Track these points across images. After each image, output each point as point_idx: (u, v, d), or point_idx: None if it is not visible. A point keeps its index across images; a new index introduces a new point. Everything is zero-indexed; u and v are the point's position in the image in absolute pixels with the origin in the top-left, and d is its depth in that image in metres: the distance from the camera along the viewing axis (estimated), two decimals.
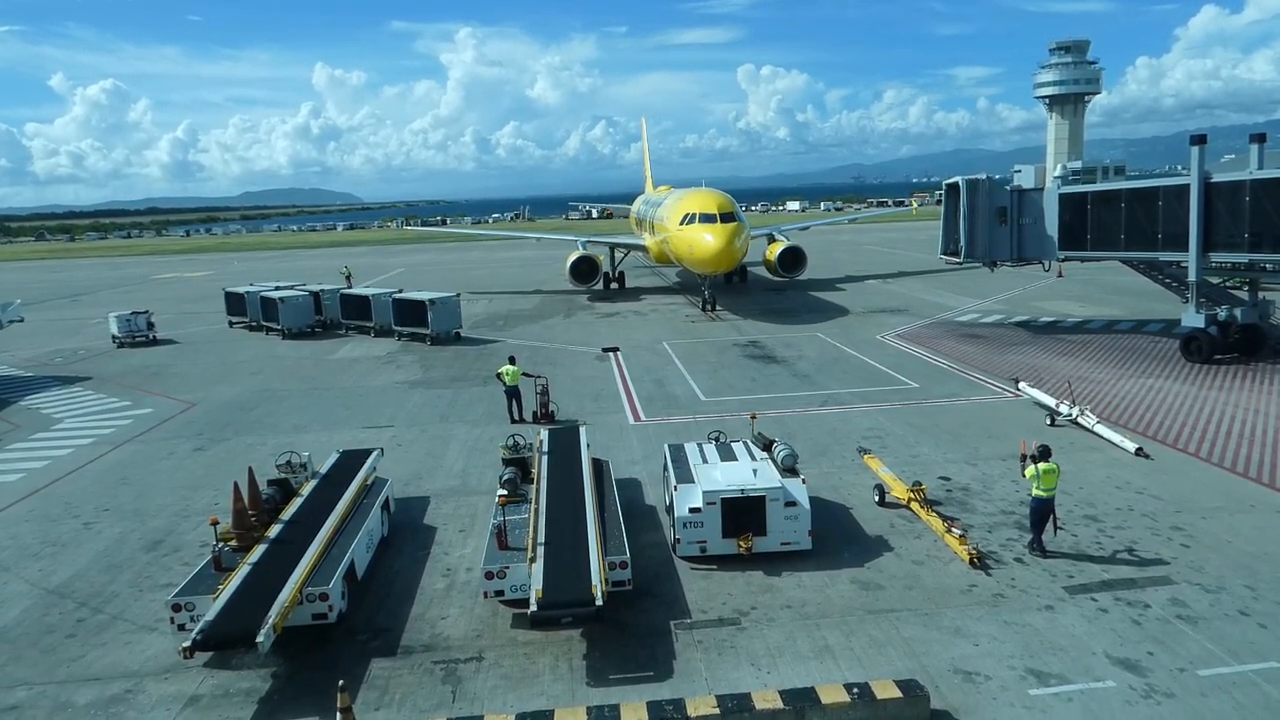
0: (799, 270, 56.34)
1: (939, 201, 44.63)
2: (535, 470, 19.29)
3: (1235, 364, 32.11)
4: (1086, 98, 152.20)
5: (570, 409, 28.89)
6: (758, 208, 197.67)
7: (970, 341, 38.08)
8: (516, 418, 27.72)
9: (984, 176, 38.13)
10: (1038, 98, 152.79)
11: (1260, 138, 33.09)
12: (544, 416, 27.47)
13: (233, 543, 16.46)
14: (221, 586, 14.75)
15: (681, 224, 47.08)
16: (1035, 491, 17.11)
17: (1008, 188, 37.83)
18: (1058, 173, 46.66)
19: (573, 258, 55.44)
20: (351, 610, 15.91)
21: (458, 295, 45.07)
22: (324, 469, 20.30)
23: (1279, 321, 34.82)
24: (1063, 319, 43.28)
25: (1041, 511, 17.15)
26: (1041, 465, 17.08)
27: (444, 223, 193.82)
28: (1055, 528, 17.32)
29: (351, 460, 20.57)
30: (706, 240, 44.92)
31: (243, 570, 15.32)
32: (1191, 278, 32.67)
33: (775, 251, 56.51)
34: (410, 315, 43.54)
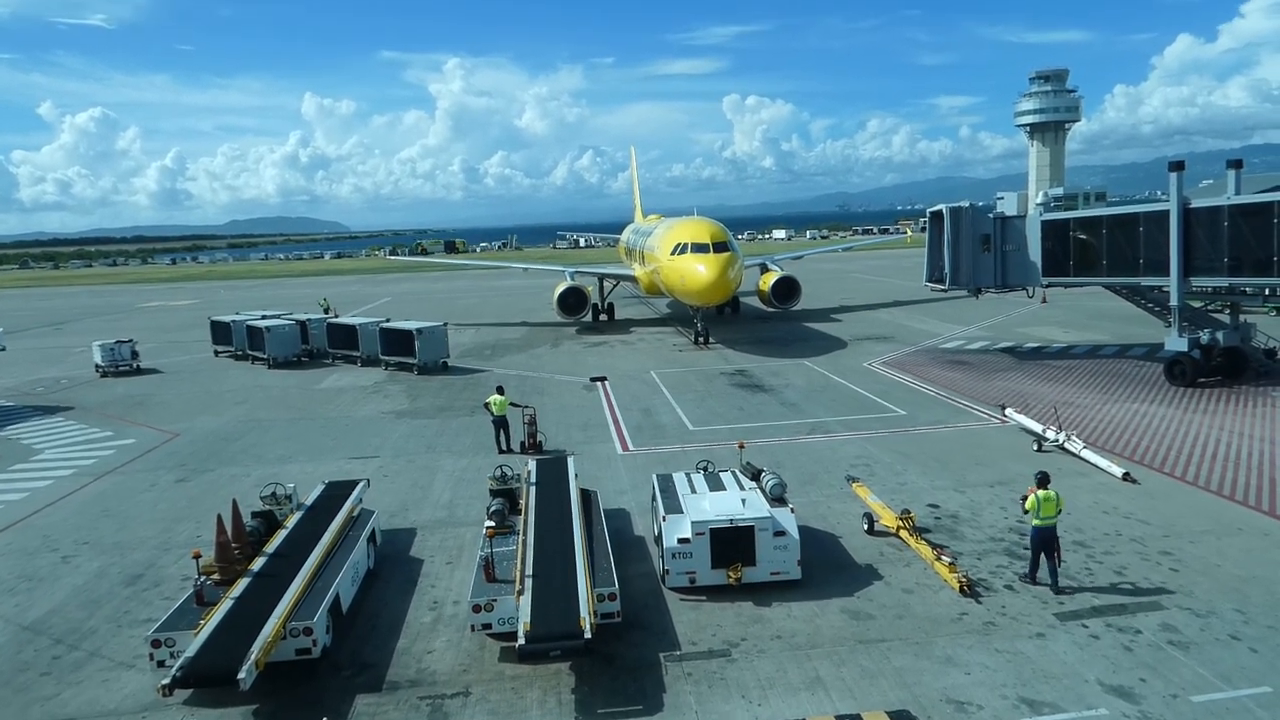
0: (793, 301, 55.34)
1: (923, 228, 45.00)
2: (523, 501, 19.08)
3: (1219, 387, 32.33)
4: (1066, 125, 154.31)
5: (558, 439, 28.71)
6: (744, 236, 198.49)
7: (956, 368, 38.15)
8: (504, 448, 27.50)
9: (967, 204, 38.48)
10: (1019, 126, 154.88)
11: (1237, 164, 33.56)
12: (532, 447, 27.26)
13: (215, 576, 16.16)
14: (203, 621, 14.44)
15: (673, 254, 45.91)
16: (1034, 521, 16.66)
17: (991, 215, 38.12)
18: (1040, 199, 47.03)
19: (560, 289, 54.34)
20: (336, 645, 15.64)
21: (445, 325, 44.89)
22: (309, 500, 20.05)
23: (1260, 344, 35.10)
24: (1047, 344, 43.53)
25: (1041, 541, 16.64)
26: (1040, 493, 16.66)
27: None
28: (1059, 559, 16.76)
29: (337, 491, 20.33)
30: (699, 271, 43.73)
31: (225, 605, 15.02)
32: (1173, 302, 32.95)
33: (769, 281, 55.47)
34: (397, 345, 43.41)
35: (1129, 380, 34.47)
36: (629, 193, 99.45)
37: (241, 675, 12.92)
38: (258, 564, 16.71)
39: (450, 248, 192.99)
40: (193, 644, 13.73)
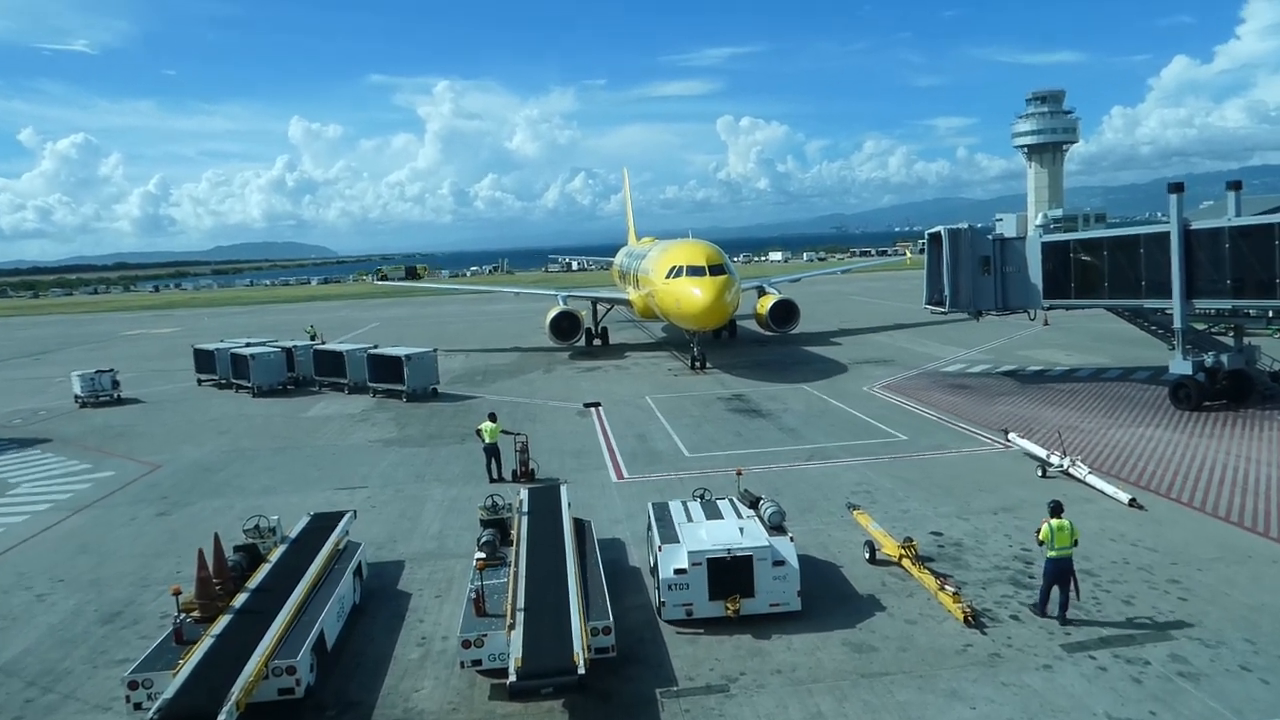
0: (791, 324, 55.11)
1: (921, 249, 45.30)
2: (515, 532, 18.91)
3: (1224, 410, 32.36)
4: (1064, 146, 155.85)
5: (551, 467, 28.57)
6: (740, 258, 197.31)
7: (958, 392, 38.14)
8: (495, 476, 27.37)
9: (966, 226, 38.59)
10: (1017, 147, 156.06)
11: (1236, 185, 33.86)
12: (524, 475, 27.11)
13: (195, 614, 15.94)
14: (182, 661, 14.22)
15: (668, 277, 45.76)
16: (1049, 552, 16.37)
17: (990, 237, 38.31)
18: (1039, 221, 47.76)
19: (553, 313, 54.55)
20: (320, 683, 15.41)
21: (434, 350, 44.77)
22: (294, 533, 19.85)
23: (1265, 367, 35.21)
24: (1050, 368, 43.57)
25: (1056, 573, 16.32)
26: (1054, 522, 16.39)
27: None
28: (1076, 591, 16.53)
29: (323, 524, 20.15)
30: (695, 295, 43.49)
31: (205, 643, 14.81)
32: (1177, 324, 33.07)
33: (767, 305, 55.33)
34: (385, 371, 43.22)
35: (1133, 404, 34.51)
36: (622, 215, 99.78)
37: (221, 717, 12.71)
38: (240, 600, 16.51)
39: (410, 274, 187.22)
40: (171, 684, 13.52)
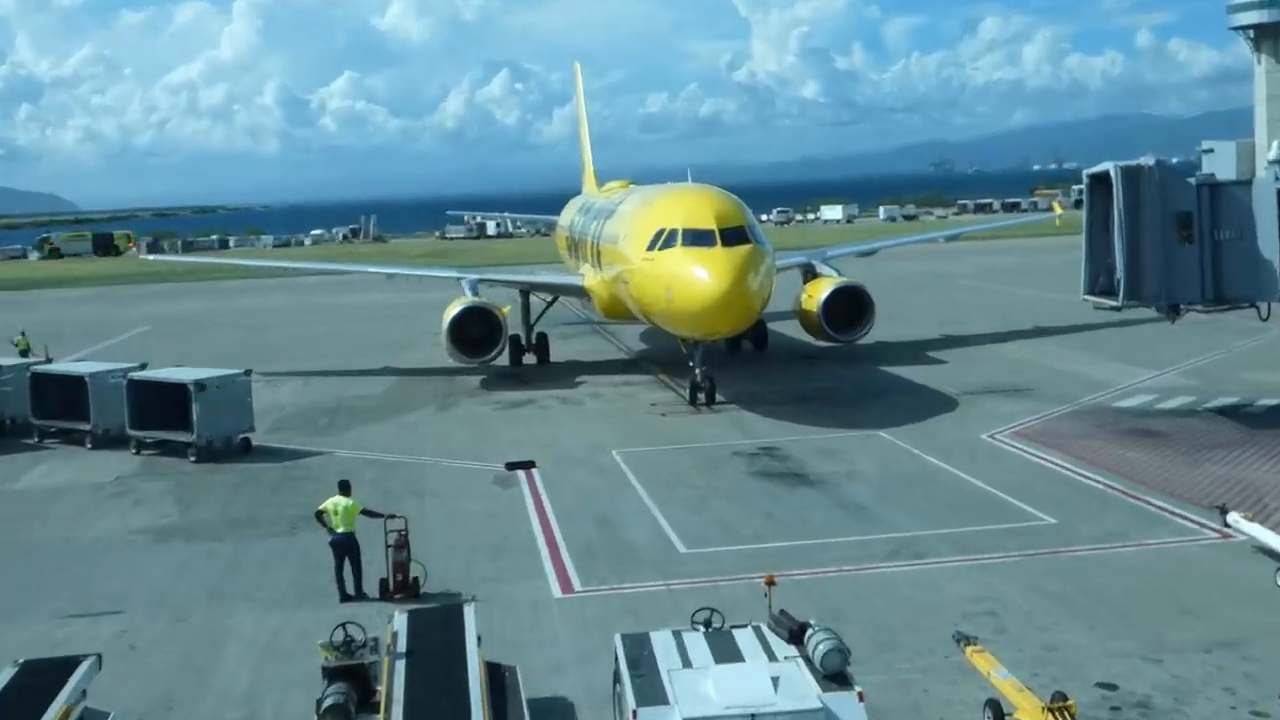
0: (860, 327, 41.16)
1: (1077, 203, 36.56)
2: (384, 686, 14.21)
3: None
4: None
5: (448, 573, 21.51)
6: (773, 215, 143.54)
7: (1142, 442, 29.75)
8: (351, 591, 20.83)
9: (1152, 161, 29.47)
10: (1237, 30, 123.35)
11: None
12: (401, 588, 20.73)
13: None
14: None
15: (653, 248, 34.36)
16: None
17: (1193, 180, 29.36)
18: (1275, 154, 37.62)
19: (455, 310, 40.04)
20: None
21: (246, 374, 33.90)
22: None
23: None
24: None
25: None
26: None
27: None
28: None
29: (39, 679, 14.87)
30: (699, 278, 32.58)
31: None
32: None
33: (820, 295, 40.82)
34: (160, 409, 31.88)
35: None
36: (571, 143, 77.96)
37: None
38: None
39: (104, 246, 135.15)
40: None
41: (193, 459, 30.96)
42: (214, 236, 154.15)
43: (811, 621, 14.32)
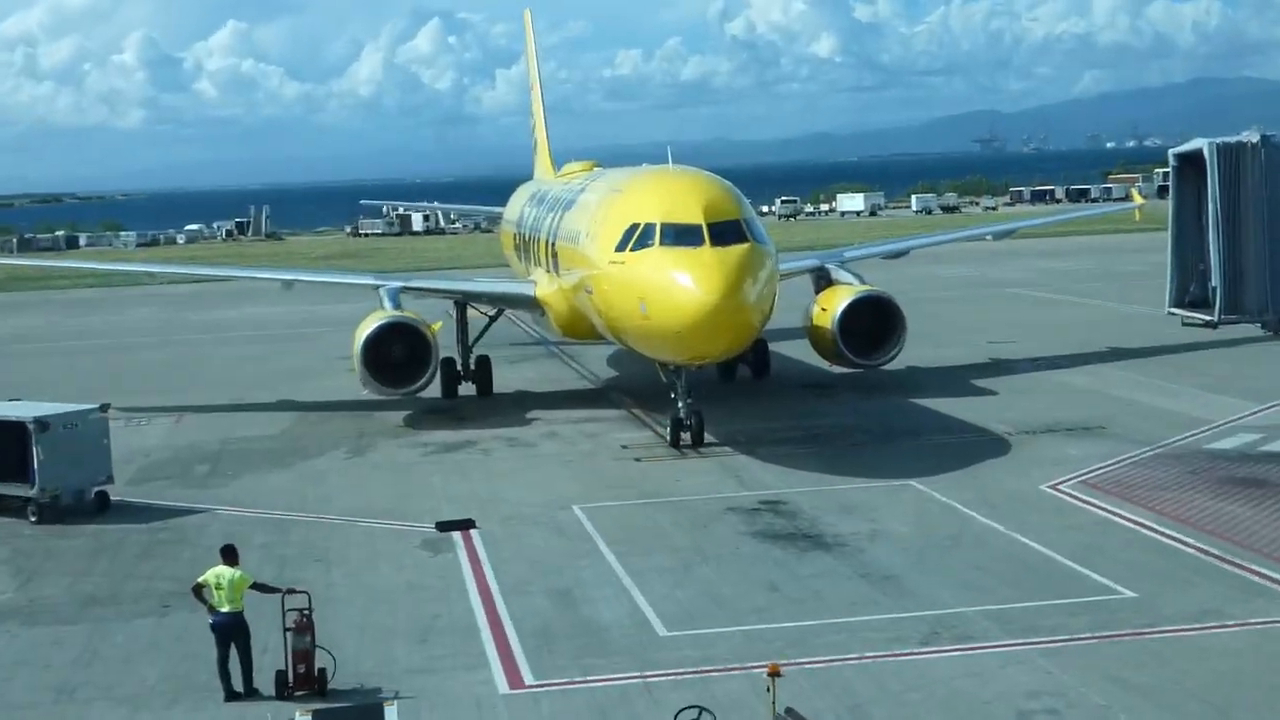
0: (886, 348, 36.42)
1: (1162, 190, 33.36)
2: None
3: None
4: None
5: (363, 664, 19.20)
6: (776, 207, 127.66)
7: (1243, 494, 26.02)
8: (239, 688, 18.62)
9: (1257, 138, 26.61)
10: None
11: None
12: (303, 683, 18.58)
13: None
14: None
15: (624, 248, 29.80)
16: None
17: None
18: None
19: (371, 326, 35.02)
20: None
21: (103, 409, 29.42)
22: None
23: None
24: None
25: None
26: None
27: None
28: None
29: None
30: (683, 287, 28.15)
31: None
32: None
33: (836, 307, 36.29)
34: None
35: None
36: (519, 115, 68.94)
37: None
38: None
39: None
40: None
41: (34, 519, 27.51)
42: (59, 233, 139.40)
43: None
